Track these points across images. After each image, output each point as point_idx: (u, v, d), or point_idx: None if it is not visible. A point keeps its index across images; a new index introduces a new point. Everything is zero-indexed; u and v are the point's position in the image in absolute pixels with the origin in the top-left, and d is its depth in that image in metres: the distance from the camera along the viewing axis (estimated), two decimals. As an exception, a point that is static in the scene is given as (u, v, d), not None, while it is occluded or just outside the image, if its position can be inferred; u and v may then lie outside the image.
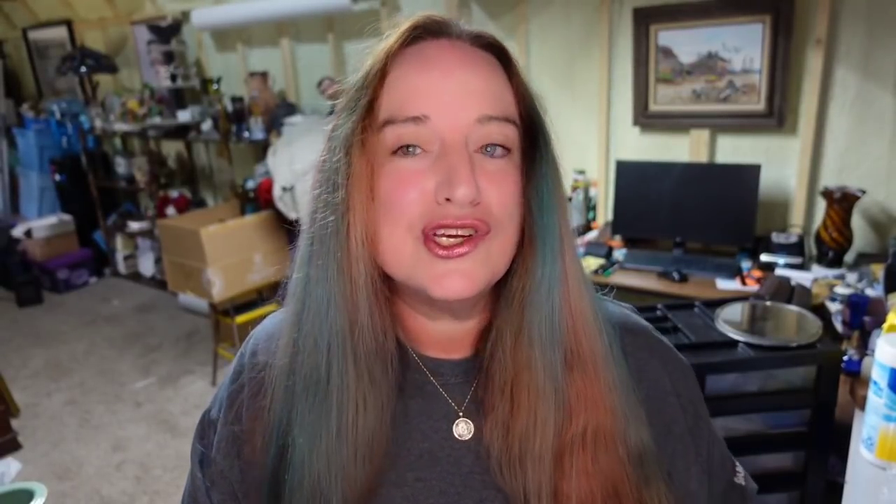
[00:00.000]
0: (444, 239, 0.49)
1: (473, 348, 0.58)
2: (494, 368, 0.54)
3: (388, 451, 0.54)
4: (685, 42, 2.42)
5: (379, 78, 0.50)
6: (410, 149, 0.49)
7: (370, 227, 0.50)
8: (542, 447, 0.52)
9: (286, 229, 3.18)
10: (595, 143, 2.75)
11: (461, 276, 0.49)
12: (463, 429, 0.56)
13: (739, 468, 0.67)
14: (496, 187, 0.49)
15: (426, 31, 0.52)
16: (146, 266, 4.92)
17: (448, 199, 0.47)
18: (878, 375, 1.10)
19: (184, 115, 4.10)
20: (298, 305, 0.54)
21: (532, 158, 0.53)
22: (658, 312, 1.44)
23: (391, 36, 0.51)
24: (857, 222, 2.20)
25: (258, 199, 3.44)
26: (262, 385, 0.57)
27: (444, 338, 0.57)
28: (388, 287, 0.54)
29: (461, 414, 0.56)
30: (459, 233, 0.49)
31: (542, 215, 0.52)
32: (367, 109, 0.50)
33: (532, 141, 0.53)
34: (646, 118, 2.58)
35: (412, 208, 0.48)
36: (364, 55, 0.52)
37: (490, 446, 0.54)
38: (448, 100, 0.48)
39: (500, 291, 0.55)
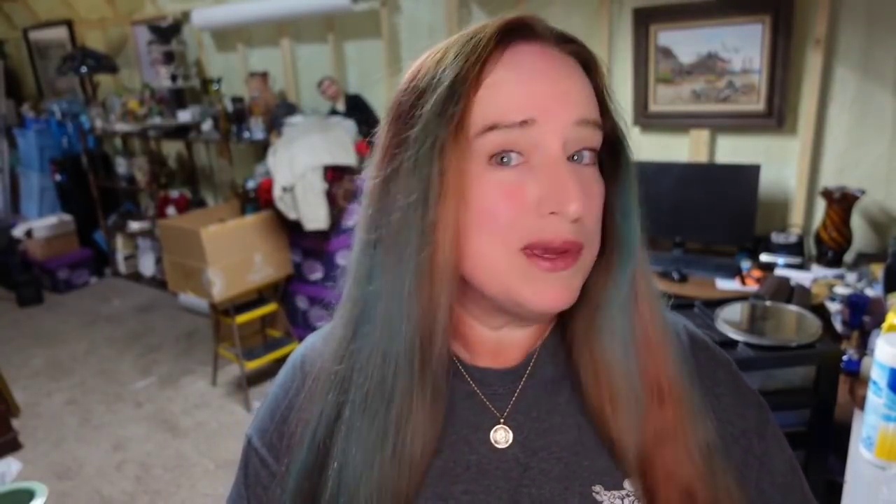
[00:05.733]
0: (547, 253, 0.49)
1: (523, 355, 0.57)
2: (581, 374, 0.54)
3: (435, 463, 0.53)
4: (685, 42, 2.42)
5: (472, 84, 0.48)
6: (505, 159, 0.48)
7: (460, 241, 0.48)
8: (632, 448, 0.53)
9: (286, 229, 3.19)
10: (595, 143, 2.74)
11: (564, 288, 0.49)
12: (501, 436, 0.55)
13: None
14: (591, 200, 0.49)
15: (517, 35, 0.50)
16: (146, 266, 4.92)
17: (552, 213, 0.47)
18: (877, 375, 1.10)
19: (184, 116, 4.09)
20: (357, 318, 0.53)
21: (614, 168, 0.53)
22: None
23: (479, 40, 0.49)
24: (857, 222, 2.20)
25: (258, 199, 3.43)
26: (311, 397, 0.57)
27: (497, 346, 0.57)
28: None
29: (502, 421, 0.55)
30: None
31: (625, 227, 0.52)
32: (460, 116, 0.48)
33: (612, 150, 0.53)
34: (646, 118, 2.58)
35: (512, 222, 0.48)
36: (437, 57, 0.51)
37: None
38: (550, 104, 0.48)
39: None
